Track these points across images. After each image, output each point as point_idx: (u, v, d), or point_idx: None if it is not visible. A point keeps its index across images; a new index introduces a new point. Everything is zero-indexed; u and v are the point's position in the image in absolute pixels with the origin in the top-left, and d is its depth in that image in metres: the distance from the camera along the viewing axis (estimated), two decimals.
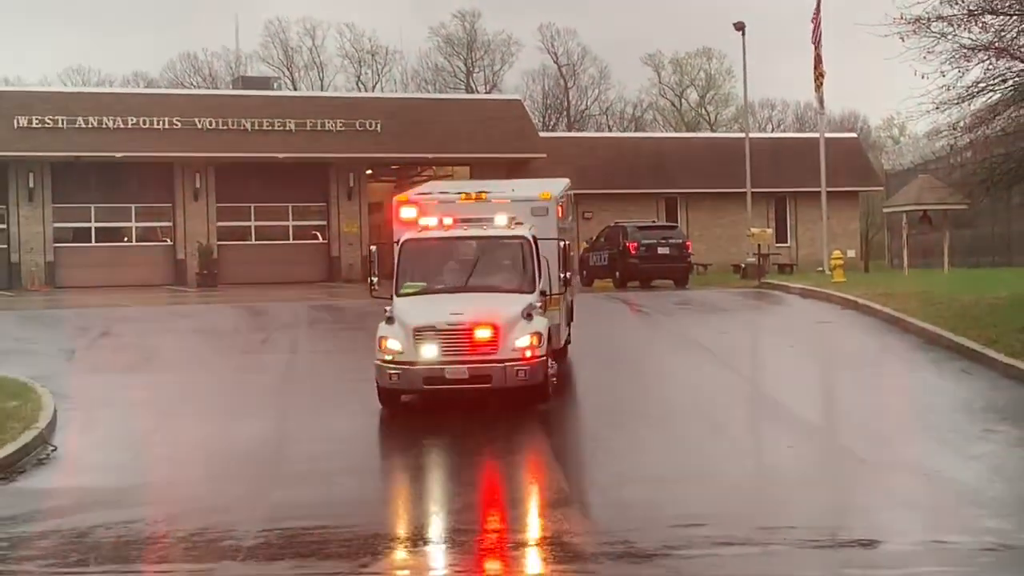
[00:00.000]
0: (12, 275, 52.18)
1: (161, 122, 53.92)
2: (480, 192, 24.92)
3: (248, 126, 54.80)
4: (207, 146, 53.94)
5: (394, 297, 22.65)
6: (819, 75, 49.35)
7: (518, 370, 21.42)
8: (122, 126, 53.13)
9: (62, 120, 52.49)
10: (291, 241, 57.93)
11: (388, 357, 21.57)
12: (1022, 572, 13.33)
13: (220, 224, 55.65)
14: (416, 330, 21.50)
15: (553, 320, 23.48)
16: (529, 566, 14.72)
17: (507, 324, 21.65)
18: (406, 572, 14.53)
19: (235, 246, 55.91)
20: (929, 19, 27.84)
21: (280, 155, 54.63)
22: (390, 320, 22.00)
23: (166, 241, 55.93)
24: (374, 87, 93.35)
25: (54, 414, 22.96)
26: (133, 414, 24.05)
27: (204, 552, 15.52)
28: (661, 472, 18.49)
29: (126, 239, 56.17)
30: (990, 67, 28.32)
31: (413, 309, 22.12)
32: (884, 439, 20.34)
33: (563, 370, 25.26)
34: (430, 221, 23.97)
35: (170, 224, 55.61)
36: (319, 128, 55.76)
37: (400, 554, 15.07)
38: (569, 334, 27.07)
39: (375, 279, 23.97)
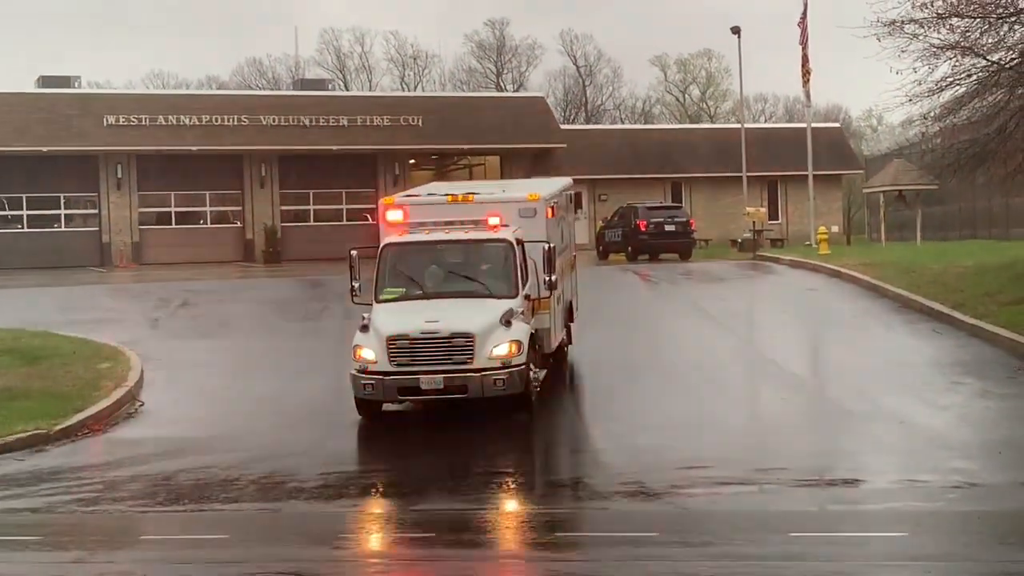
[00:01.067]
0: (103, 254, 52.31)
1: (231, 120, 53.93)
2: (467, 194, 21.27)
3: (306, 122, 54.78)
4: (271, 140, 54.01)
5: (374, 303, 19.45)
6: (806, 72, 49.13)
7: (496, 379, 18.08)
8: (197, 123, 53.19)
9: (145, 119, 52.57)
10: (345, 222, 57.78)
11: (362, 367, 18.38)
12: (986, 506, 13.31)
13: (283, 208, 55.61)
14: (390, 339, 18.24)
15: (542, 324, 20.24)
16: (554, 503, 14.78)
17: (484, 332, 18.28)
18: (449, 508, 14.60)
19: (296, 227, 55.88)
20: (903, 22, 27.70)
21: (334, 147, 54.61)
22: (365, 328, 18.76)
23: (236, 223, 55.89)
24: (416, 87, 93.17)
25: (141, 374, 23.14)
26: (209, 373, 24.17)
27: (272, 493, 15.61)
28: (668, 421, 18.49)
29: (201, 222, 56.22)
30: (957, 64, 28.18)
31: (389, 317, 18.83)
32: (865, 391, 20.27)
33: (580, 331, 25.02)
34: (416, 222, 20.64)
35: (240, 208, 55.58)
36: (368, 124, 55.69)
37: (443, 493, 15.14)
38: (569, 335, 23.75)
39: (356, 284, 20.08)
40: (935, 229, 54.31)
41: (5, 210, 52.61)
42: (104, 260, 52.04)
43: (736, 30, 54.07)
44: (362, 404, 18.90)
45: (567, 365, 23.06)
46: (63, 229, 53.42)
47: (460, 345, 18.19)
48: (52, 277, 42.88)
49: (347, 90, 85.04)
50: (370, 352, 18.30)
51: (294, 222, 56.01)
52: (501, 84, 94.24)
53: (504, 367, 18.16)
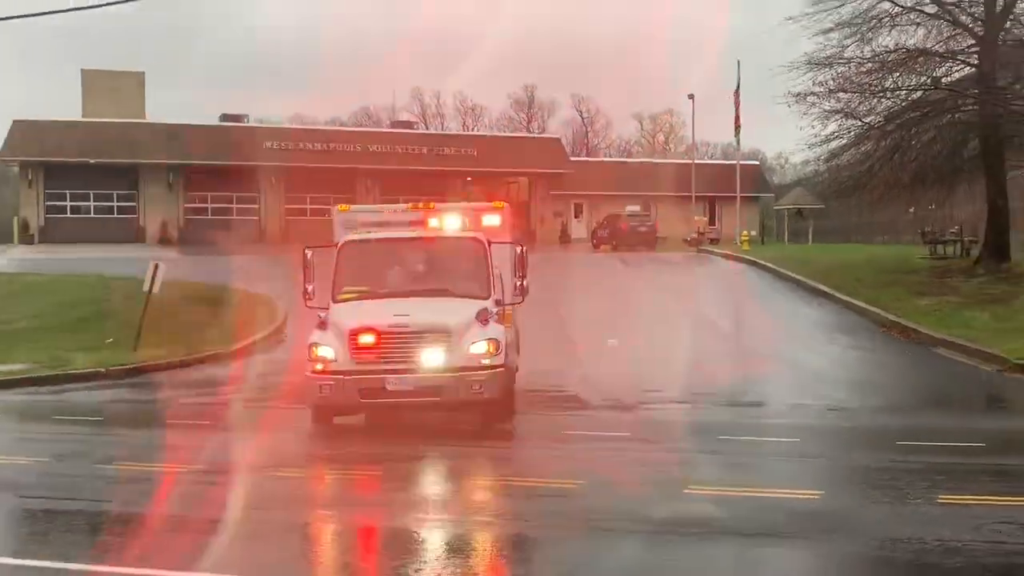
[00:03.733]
0: (262, 235, 52.54)
1: (348, 147, 54.02)
2: (429, 202, 14.39)
3: (399, 151, 54.81)
4: (375, 162, 53.90)
5: (331, 304, 12.87)
6: (737, 127, 48.77)
7: (472, 382, 11.83)
8: (325, 149, 53.24)
9: (291, 144, 52.79)
10: None
11: (319, 366, 11.97)
12: (851, 423, 13.29)
13: None
14: (353, 333, 11.91)
15: (508, 336, 12.89)
16: (555, 412, 14.76)
17: (460, 328, 12.02)
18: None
19: None
20: (806, 94, 27.66)
21: (417, 168, 54.54)
22: (323, 325, 12.34)
23: None
24: (473, 128, 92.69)
25: (285, 316, 23.26)
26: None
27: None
28: (637, 358, 18.45)
29: (327, 216, 56.14)
30: (841, 124, 28.22)
31: (352, 312, 12.45)
32: (769, 342, 20.25)
33: (575, 295, 24.73)
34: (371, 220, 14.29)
35: None
36: (440, 153, 55.61)
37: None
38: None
39: (311, 287, 13.24)
40: (822, 235, 54.28)
41: (197, 203, 53.00)
42: (260, 239, 52.26)
43: (691, 96, 53.73)
44: (319, 411, 12.27)
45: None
46: (233, 217, 53.63)
47: (434, 341, 11.91)
48: (224, 250, 43.03)
49: (427, 129, 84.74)
50: (328, 349, 11.98)
51: None
52: (530, 128, 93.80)
53: (483, 368, 11.93)
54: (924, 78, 27.70)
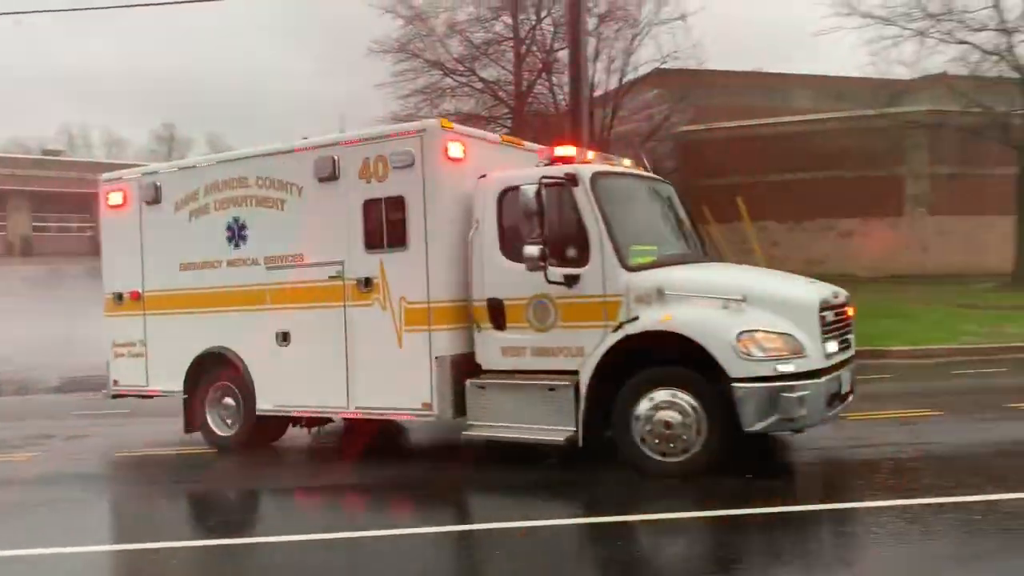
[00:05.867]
0: None
1: (5, 169, 46.79)
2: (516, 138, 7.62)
3: (51, 175, 48.27)
4: (25, 184, 47.13)
5: (625, 272, 5.72)
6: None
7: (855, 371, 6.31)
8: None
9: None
10: None
11: (786, 365, 5.30)
12: None
13: None
14: (824, 307, 5.64)
15: None
16: None
17: None
18: None
19: None
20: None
21: (68, 190, 48.35)
22: (740, 300, 5.43)
23: None
24: (119, 158, 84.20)
25: None
26: None
27: (29, 386, 13.81)
28: None
29: None
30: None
31: (723, 280, 5.83)
32: None
33: None
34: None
35: None
36: (89, 179, 49.86)
37: None
38: None
39: (542, 249, 5.68)
40: None
41: None
42: None
43: (305, 138, 53.15)
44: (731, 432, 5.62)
45: None
46: None
47: (852, 323, 6.33)
48: None
49: (75, 157, 75.45)
50: (790, 340, 5.50)
51: None
52: (170, 159, 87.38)
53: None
54: None
